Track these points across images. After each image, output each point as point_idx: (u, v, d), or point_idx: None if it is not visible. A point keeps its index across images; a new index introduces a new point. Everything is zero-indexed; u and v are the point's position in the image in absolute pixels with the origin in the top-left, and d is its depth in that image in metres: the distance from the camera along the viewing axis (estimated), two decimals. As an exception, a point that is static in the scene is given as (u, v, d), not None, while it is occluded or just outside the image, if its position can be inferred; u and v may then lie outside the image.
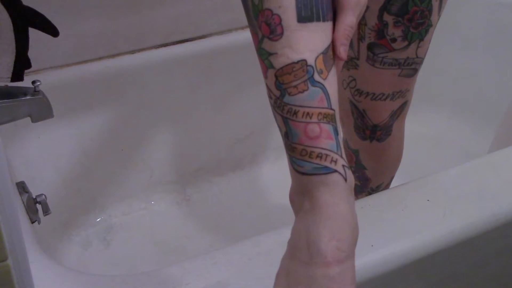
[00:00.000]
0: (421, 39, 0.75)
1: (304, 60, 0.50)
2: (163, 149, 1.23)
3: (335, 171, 0.50)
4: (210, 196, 1.27)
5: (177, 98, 1.21)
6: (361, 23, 0.75)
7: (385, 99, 0.81)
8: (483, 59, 1.37)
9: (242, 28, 1.24)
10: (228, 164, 1.31)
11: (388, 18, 0.73)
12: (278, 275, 0.52)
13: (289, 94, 0.50)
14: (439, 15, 0.76)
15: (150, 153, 1.22)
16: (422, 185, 0.81)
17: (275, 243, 0.69)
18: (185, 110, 1.22)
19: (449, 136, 1.42)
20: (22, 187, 0.86)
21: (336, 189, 0.50)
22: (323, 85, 0.51)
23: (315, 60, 0.50)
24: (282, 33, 0.50)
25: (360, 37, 0.76)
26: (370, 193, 0.95)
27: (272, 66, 0.51)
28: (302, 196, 0.52)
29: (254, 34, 0.53)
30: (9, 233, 0.44)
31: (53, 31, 0.71)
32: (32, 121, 0.76)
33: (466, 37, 1.38)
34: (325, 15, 0.51)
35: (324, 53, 0.51)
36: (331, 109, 0.51)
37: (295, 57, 0.50)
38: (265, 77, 0.52)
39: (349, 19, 0.51)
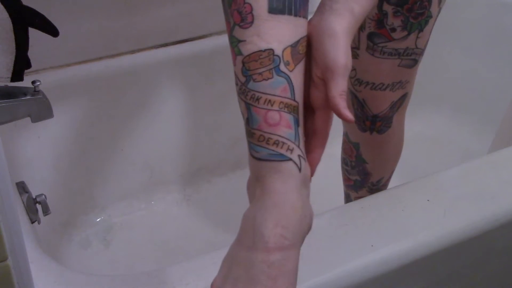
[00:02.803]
0: (421, 30, 0.76)
1: (271, 50, 0.51)
2: (163, 149, 1.23)
3: (290, 159, 0.51)
4: (210, 196, 1.27)
5: (177, 98, 1.21)
6: None
7: (384, 89, 0.81)
8: (483, 59, 1.37)
9: (242, 28, 1.24)
10: (228, 164, 1.31)
11: (387, 7, 0.73)
12: (223, 260, 0.53)
13: (253, 80, 0.52)
14: (439, 7, 0.76)
15: (150, 153, 1.22)
16: (422, 185, 0.81)
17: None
18: (185, 110, 1.22)
19: (449, 136, 1.42)
20: (22, 187, 0.86)
21: (288, 178, 0.51)
22: (288, 76, 0.52)
23: (283, 51, 0.52)
24: (252, 22, 0.52)
25: (360, 26, 0.77)
26: (370, 188, 0.95)
27: (240, 53, 0.53)
28: (256, 182, 0.53)
29: (227, 22, 0.55)
30: (9, 233, 0.44)
31: (53, 31, 0.71)
32: (32, 121, 0.76)
33: (466, 37, 1.38)
34: (298, 10, 0.53)
35: (293, 46, 0.52)
36: (295, 100, 0.52)
37: (263, 45, 0.51)
38: (234, 64, 0.54)
39: (342, 85, 0.52)
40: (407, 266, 0.72)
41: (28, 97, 0.74)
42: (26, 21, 0.67)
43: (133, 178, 1.22)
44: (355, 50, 0.79)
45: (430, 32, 0.78)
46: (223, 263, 0.53)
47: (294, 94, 0.52)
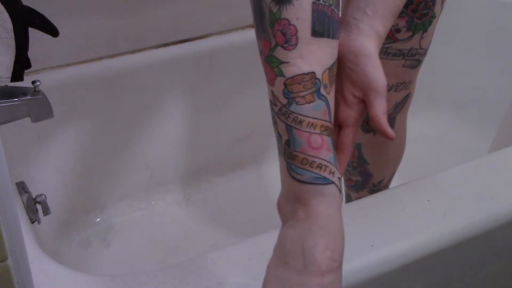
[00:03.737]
0: (425, 30, 0.76)
1: (314, 73, 0.52)
2: (163, 149, 1.23)
3: (333, 182, 0.52)
4: (210, 196, 1.27)
5: (177, 98, 1.21)
6: None
7: (389, 90, 0.81)
8: (483, 59, 1.37)
9: (242, 28, 1.24)
10: (228, 164, 1.31)
11: None
12: (267, 282, 0.53)
13: (296, 103, 0.52)
14: (441, 7, 0.77)
15: (150, 153, 1.22)
16: (422, 185, 0.81)
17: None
18: (185, 110, 1.22)
19: (449, 136, 1.42)
20: (22, 187, 0.86)
21: (332, 201, 0.52)
22: (327, 99, 0.53)
23: (322, 74, 0.52)
24: (296, 44, 0.52)
25: None
26: (371, 189, 0.95)
27: (282, 74, 0.52)
28: (295, 204, 0.53)
29: (266, 41, 0.54)
30: (9, 233, 0.44)
31: (53, 31, 0.71)
32: (32, 121, 0.76)
33: (467, 37, 1.38)
34: (335, 33, 0.53)
35: (330, 69, 0.53)
36: (331, 123, 0.53)
37: (306, 68, 0.52)
38: (272, 84, 0.53)
39: (383, 104, 0.54)
40: (407, 266, 0.71)
41: (28, 97, 0.74)
42: (26, 21, 0.67)
43: (133, 178, 1.22)
44: None
45: (433, 32, 0.79)
46: (269, 284, 0.53)
47: (331, 117, 0.53)
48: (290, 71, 0.52)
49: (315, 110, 0.52)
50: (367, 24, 0.55)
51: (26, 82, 0.72)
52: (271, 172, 1.31)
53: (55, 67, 1.11)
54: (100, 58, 1.14)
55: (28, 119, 0.76)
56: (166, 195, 1.25)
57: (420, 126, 1.42)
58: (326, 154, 0.52)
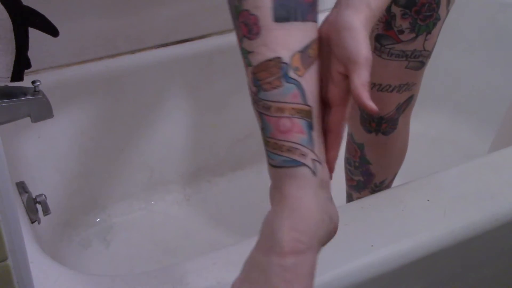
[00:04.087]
0: (429, 32, 0.76)
1: (279, 58, 0.52)
2: (163, 149, 1.23)
3: (303, 164, 0.52)
4: (210, 196, 1.27)
5: (177, 98, 1.21)
6: None
7: (391, 91, 0.81)
8: (483, 60, 1.37)
9: (242, 28, 1.24)
10: (228, 164, 1.31)
11: (396, 9, 0.74)
12: (244, 263, 0.54)
13: (264, 90, 0.52)
14: (447, 9, 0.76)
15: (150, 153, 1.22)
16: (422, 185, 0.81)
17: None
18: (185, 110, 1.22)
19: (449, 136, 1.42)
20: (22, 187, 0.86)
21: (303, 182, 0.52)
22: (298, 82, 0.52)
23: (291, 58, 0.52)
24: (259, 32, 0.52)
25: None
26: (373, 189, 0.95)
27: (250, 64, 0.53)
28: (275, 190, 0.54)
29: (237, 34, 0.55)
30: (9, 233, 0.44)
31: (53, 31, 0.71)
32: (32, 121, 0.76)
33: (467, 37, 1.38)
34: (305, 15, 0.53)
35: (302, 51, 0.53)
36: (307, 105, 0.52)
37: (270, 54, 0.52)
38: (246, 75, 0.55)
39: (364, 76, 0.52)
40: (407, 266, 0.71)
41: (28, 97, 0.74)
42: (26, 21, 0.67)
43: (133, 178, 1.22)
44: None
45: (438, 35, 0.78)
46: (244, 266, 0.54)
47: (305, 99, 0.52)
48: (255, 59, 0.53)
49: (282, 95, 0.52)
50: None
51: (26, 82, 0.72)
52: (271, 172, 1.31)
53: (55, 67, 1.11)
54: (100, 58, 1.14)
55: (28, 119, 0.76)
56: (166, 195, 1.25)
57: (420, 126, 1.42)
58: (296, 136, 0.52)
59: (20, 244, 0.47)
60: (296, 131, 0.52)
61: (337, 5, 0.55)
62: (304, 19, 0.53)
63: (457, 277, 0.83)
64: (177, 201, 1.25)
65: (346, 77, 0.54)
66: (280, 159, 0.52)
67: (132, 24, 1.15)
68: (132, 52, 1.16)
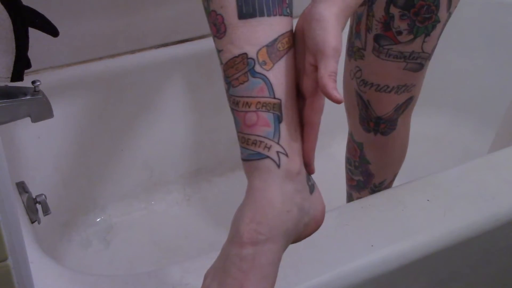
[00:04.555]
0: (428, 34, 0.76)
1: (245, 54, 0.53)
2: (163, 149, 1.23)
3: (267, 157, 0.53)
4: (210, 196, 1.27)
5: (177, 98, 1.21)
6: (369, 14, 0.76)
7: (389, 92, 0.81)
8: (483, 59, 1.37)
9: (242, 28, 1.24)
10: (228, 164, 1.31)
11: (394, 10, 0.74)
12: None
13: (232, 86, 0.54)
14: (448, 12, 0.76)
15: (150, 153, 1.22)
16: (422, 185, 0.81)
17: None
18: (185, 110, 1.22)
19: (449, 136, 1.42)
20: (22, 187, 0.86)
21: (267, 175, 0.53)
22: (264, 76, 0.53)
23: (257, 53, 0.53)
24: (225, 31, 0.54)
25: (367, 28, 0.77)
26: (373, 190, 0.95)
27: (221, 62, 0.55)
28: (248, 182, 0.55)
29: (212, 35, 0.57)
30: (9, 233, 0.44)
31: (53, 31, 0.71)
32: (32, 121, 0.76)
33: (466, 37, 1.38)
34: (270, 10, 0.54)
35: (269, 45, 0.53)
36: (274, 98, 0.53)
37: (236, 51, 0.53)
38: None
39: (331, 66, 0.52)
40: (407, 266, 0.72)
41: (28, 97, 0.74)
42: (26, 21, 0.67)
43: (133, 178, 1.22)
44: (361, 51, 0.79)
45: (439, 37, 0.78)
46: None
47: (273, 92, 0.53)
48: (224, 57, 0.54)
49: (248, 89, 0.53)
50: None
51: (26, 82, 0.72)
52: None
53: (55, 67, 1.11)
54: (100, 58, 1.14)
55: (28, 119, 0.76)
56: (166, 195, 1.25)
57: (420, 126, 1.42)
58: (261, 129, 0.53)
59: (20, 244, 0.47)
60: (260, 124, 0.53)
61: (312, 1, 0.56)
62: (270, 13, 0.54)
63: (457, 277, 0.83)
64: (177, 201, 1.25)
65: (317, 68, 0.54)
66: (246, 152, 0.53)
67: (132, 24, 1.15)
68: (132, 52, 1.16)
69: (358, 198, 0.98)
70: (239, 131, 0.54)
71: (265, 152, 0.52)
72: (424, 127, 1.42)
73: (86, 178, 1.17)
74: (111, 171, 1.19)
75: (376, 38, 0.77)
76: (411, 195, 0.79)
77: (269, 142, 0.52)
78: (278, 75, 0.53)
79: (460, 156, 1.33)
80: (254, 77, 0.53)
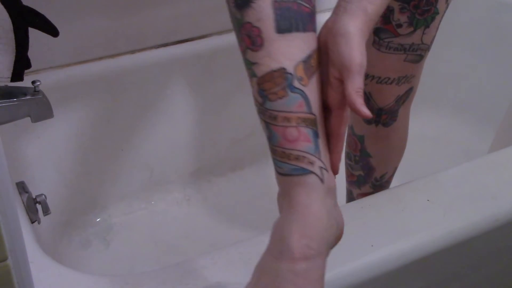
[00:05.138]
0: (427, 26, 0.77)
1: (283, 68, 0.53)
2: (163, 149, 1.23)
3: (311, 172, 0.53)
4: (210, 196, 1.27)
5: (177, 98, 1.21)
6: None
7: (390, 83, 0.82)
8: (483, 59, 1.37)
9: (242, 28, 1.24)
10: (228, 164, 1.31)
11: (394, 3, 0.74)
12: (255, 269, 0.55)
13: (269, 100, 0.53)
14: (447, 3, 0.77)
15: (150, 153, 1.22)
16: (422, 185, 0.81)
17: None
18: (185, 110, 1.22)
19: (449, 136, 1.42)
20: (22, 187, 0.86)
21: (311, 190, 0.53)
22: (302, 91, 0.53)
23: (295, 68, 0.53)
24: (262, 44, 0.53)
25: None
26: (374, 184, 0.95)
27: (255, 75, 0.54)
28: (283, 196, 0.55)
29: (240, 46, 0.56)
30: (9, 233, 0.44)
31: (53, 31, 0.71)
32: (32, 121, 0.76)
33: (466, 37, 1.38)
34: (305, 25, 0.54)
35: (305, 61, 0.54)
36: (311, 114, 0.54)
37: (275, 65, 0.53)
38: (251, 85, 0.55)
39: (358, 82, 0.53)
40: (407, 266, 0.72)
41: (28, 97, 0.74)
42: (26, 21, 0.67)
43: (133, 178, 1.22)
44: None
45: (437, 28, 0.79)
46: (254, 273, 0.55)
47: (310, 108, 0.53)
48: (260, 70, 0.53)
49: (288, 105, 0.53)
50: (355, 4, 0.55)
51: (26, 82, 0.72)
52: (271, 172, 1.31)
53: (55, 67, 1.11)
54: (100, 58, 1.14)
55: (28, 119, 0.76)
56: (166, 195, 1.25)
57: (420, 126, 1.42)
58: (303, 145, 0.53)
59: (20, 244, 0.47)
60: (302, 140, 0.53)
61: (335, 11, 0.56)
62: (305, 29, 0.54)
63: (457, 277, 0.83)
64: (177, 201, 1.25)
65: (342, 82, 0.55)
66: (288, 167, 0.53)
67: (132, 24, 1.15)
68: (132, 52, 1.16)
69: (359, 194, 0.98)
70: (277, 145, 0.54)
71: (309, 167, 0.53)
72: (424, 127, 1.42)
73: (86, 178, 1.17)
74: (111, 171, 1.19)
75: (376, 32, 0.78)
76: (411, 195, 0.79)
77: (312, 158, 0.53)
78: (312, 91, 0.54)
79: (460, 156, 1.33)
80: (293, 92, 0.53)
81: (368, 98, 0.85)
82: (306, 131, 0.53)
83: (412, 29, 0.76)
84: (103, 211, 1.20)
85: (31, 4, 0.68)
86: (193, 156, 1.27)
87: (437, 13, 0.76)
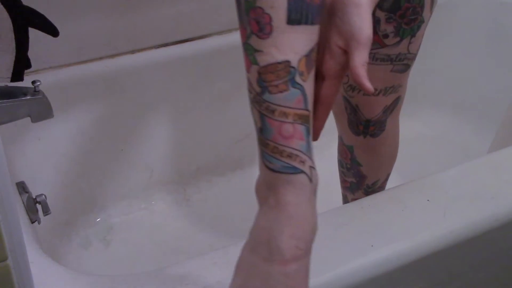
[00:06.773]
0: (413, 35, 0.76)
1: (288, 61, 0.51)
2: (163, 149, 1.23)
3: (302, 171, 0.52)
4: (210, 196, 1.27)
5: (177, 98, 1.21)
6: None
7: (377, 94, 0.81)
8: (483, 59, 1.37)
9: (242, 28, 1.24)
10: (228, 164, 1.31)
11: (380, 14, 0.73)
12: (237, 267, 0.54)
13: (269, 92, 0.52)
14: (431, 12, 0.76)
15: (150, 153, 1.22)
16: (422, 185, 0.81)
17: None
18: (185, 110, 1.22)
19: (449, 136, 1.42)
20: (22, 187, 0.86)
21: (300, 190, 0.52)
22: (302, 87, 0.52)
23: (298, 62, 0.51)
24: (270, 32, 0.51)
25: None
26: (366, 191, 0.95)
27: (256, 63, 0.52)
28: (268, 191, 0.54)
29: (242, 28, 0.54)
30: (9, 233, 0.44)
31: (53, 31, 0.71)
32: (32, 121, 0.76)
33: (467, 37, 1.38)
34: (314, 18, 0.52)
35: (307, 55, 0.52)
36: (307, 110, 0.52)
37: (280, 57, 0.51)
38: (248, 71, 0.53)
39: (365, 55, 0.52)
40: (407, 266, 0.71)
41: (28, 97, 0.74)
42: (26, 21, 0.67)
43: (133, 178, 1.22)
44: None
45: (422, 37, 0.78)
46: (237, 270, 0.54)
47: (307, 104, 0.52)
48: (263, 60, 0.52)
49: (288, 99, 0.51)
50: None
51: (26, 82, 0.72)
52: (271, 172, 1.31)
53: (55, 67, 1.11)
54: (100, 58, 1.14)
55: (28, 119, 0.76)
56: (166, 195, 1.25)
57: (420, 126, 1.42)
58: (297, 143, 0.52)
59: (20, 244, 0.47)
60: (297, 137, 0.52)
61: None
62: (312, 22, 0.52)
63: (457, 277, 0.83)
64: (177, 201, 1.25)
65: (345, 51, 0.53)
66: (279, 164, 0.52)
67: (132, 24, 1.15)
68: (132, 52, 1.16)
69: (353, 199, 0.98)
70: (271, 139, 0.52)
71: (300, 166, 0.52)
72: (424, 127, 1.42)
73: (86, 178, 1.17)
74: (111, 171, 1.19)
75: None
76: (411, 195, 0.79)
77: (303, 157, 0.52)
78: (309, 87, 0.53)
79: (460, 156, 1.33)
80: (294, 87, 0.51)
81: (355, 110, 0.84)
82: (300, 129, 0.52)
83: (398, 39, 0.75)
84: (103, 211, 1.20)
85: (31, 4, 0.68)
86: (193, 156, 1.27)
87: (423, 21, 0.75)
